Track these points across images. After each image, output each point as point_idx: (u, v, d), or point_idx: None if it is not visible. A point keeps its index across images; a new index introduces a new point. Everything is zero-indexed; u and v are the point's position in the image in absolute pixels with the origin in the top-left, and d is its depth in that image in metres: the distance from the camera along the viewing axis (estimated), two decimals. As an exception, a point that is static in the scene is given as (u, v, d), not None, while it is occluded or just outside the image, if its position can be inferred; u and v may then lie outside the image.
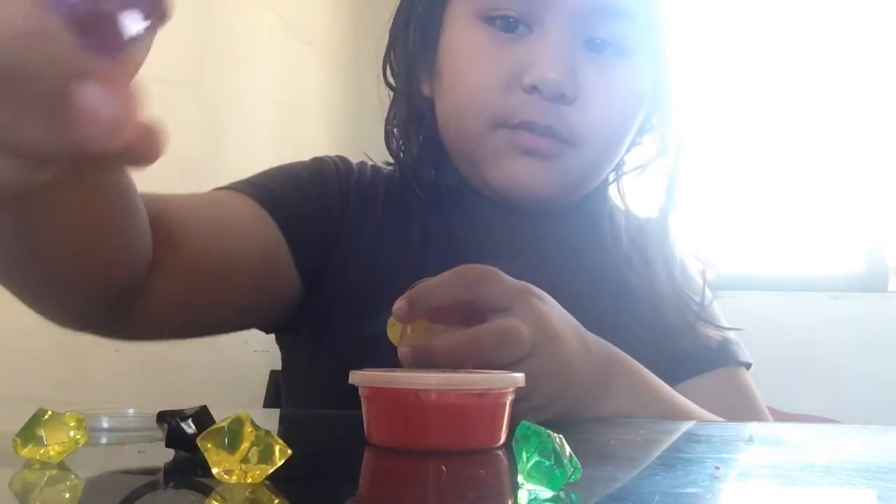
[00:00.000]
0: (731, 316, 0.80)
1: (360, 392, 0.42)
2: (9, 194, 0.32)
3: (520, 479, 0.31)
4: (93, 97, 0.23)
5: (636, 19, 0.69)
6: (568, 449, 0.31)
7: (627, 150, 0.76)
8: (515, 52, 0.68)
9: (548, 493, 0.30)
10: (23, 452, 0.36)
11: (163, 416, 0.38)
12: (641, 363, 0.61)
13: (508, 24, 0.69)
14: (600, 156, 0.72)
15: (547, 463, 0.30)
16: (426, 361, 0.49)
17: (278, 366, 0.81)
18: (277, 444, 0.31)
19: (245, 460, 0.30)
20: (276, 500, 0.30)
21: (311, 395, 0.74)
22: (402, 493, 0.34)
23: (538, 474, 0.30)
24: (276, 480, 0.31)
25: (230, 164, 1.76)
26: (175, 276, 0.59)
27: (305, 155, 0.79)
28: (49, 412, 0.36)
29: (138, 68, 0.27)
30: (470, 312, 0.53)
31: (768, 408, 0.77)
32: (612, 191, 0.80)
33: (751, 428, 0.57)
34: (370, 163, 0.82)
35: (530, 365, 0.51)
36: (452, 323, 0.52)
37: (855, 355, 2.09)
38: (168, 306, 0.61)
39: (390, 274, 0.53)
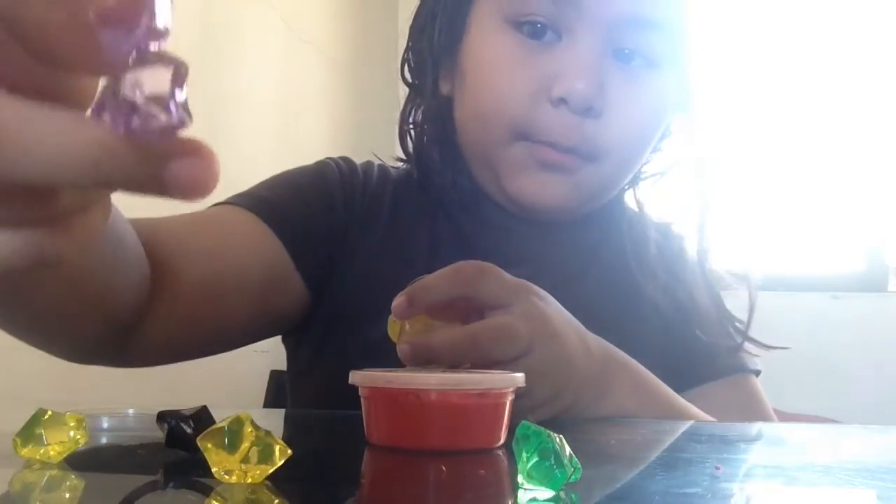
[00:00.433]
0: (730, 316, 0.80)
1: (360, 392, 0.42)
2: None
3: (520, 479, 0.31)
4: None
5: (666, 30, 0.68)
6: (568, 449, 0.31)
7: (647, 159, 0.76)
8: (543, 61, 0.67)
9: (548, 493, 0.30)
10: (23, 452, 0.36)
11: (163, 416, 0.38)
12: (649, 369, 0.61)
13: (536, 31, 0.68)
14: (621, 168, 0.72)
15: (547, 463, 0.30)
16: (424, 357, 0.49)
17: (278, 366, 0.82)
18: (277, 444, 0.31)
19: (245, 460, 0.30)
20: (276, 500, 0.30)
21: (315, 395, 0.74)
22: (402, 493, 0.34)
23: (538, 474, 0.30)
24: (276, 480, 0.31)
25: (230, 165, 1.75)
26: (175, 302, 0.59)
27: (306, 155, 0.78)
28: (49, 412, 0.36)
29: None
30: (470, 309, 0.53)
31: (768, 408, 0.77)
32: (629, 196, 0.80)
33: (751, 428, 0.57)
34: (377, 162, 0.81)
35: (529, 362, 0.51)
36: (452, 319, 0.52)
37: (855, 355, 2.09)
38: (171, 331, 0.60)
39: (396, 277, 0.53)
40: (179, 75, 0.21)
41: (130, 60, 0.21)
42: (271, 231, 0.67)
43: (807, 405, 1.55)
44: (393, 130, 0.79)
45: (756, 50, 2.26)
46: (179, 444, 0.37)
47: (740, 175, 2.26)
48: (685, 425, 0.55)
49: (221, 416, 0.32)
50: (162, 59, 0.21)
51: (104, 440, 0.45)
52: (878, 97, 2.23)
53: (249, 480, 0.31)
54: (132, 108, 0.21)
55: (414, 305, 0.51)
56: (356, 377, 0.42)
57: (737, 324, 0.76)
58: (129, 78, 0.21)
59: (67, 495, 0.32)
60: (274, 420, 0.66)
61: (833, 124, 2.27)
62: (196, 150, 0.22)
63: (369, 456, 0.41)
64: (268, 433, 0.31)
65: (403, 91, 0.79)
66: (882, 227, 2.25)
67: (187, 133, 0.22)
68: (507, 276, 0.54)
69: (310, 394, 0.75)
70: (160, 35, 0.21)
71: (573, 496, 0.30)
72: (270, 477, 0.31)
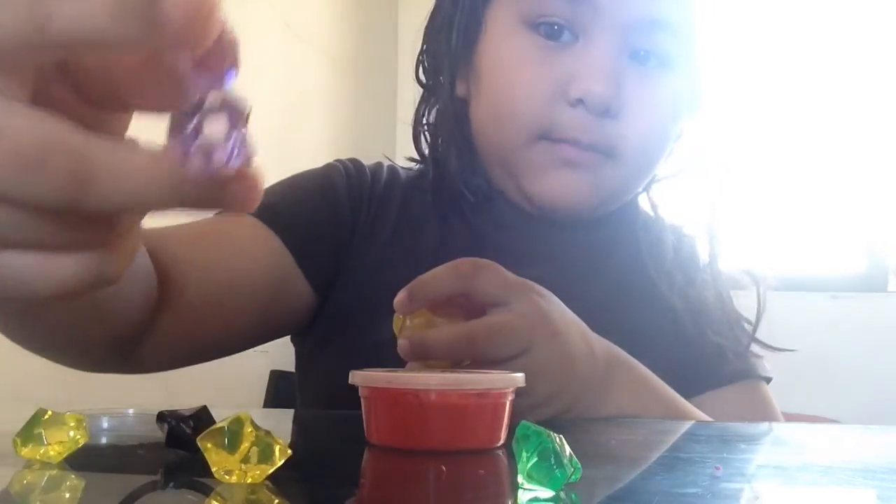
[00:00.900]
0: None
1: (360, 392, 0.42)
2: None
3: (520, 479, 0.31)
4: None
5: (680, 32, 0.69)
6: (568, 449, 0.31)
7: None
8: (560, 62, 0.67)
9: (548, 493, 0.30)
10: (23, 452, 0.36)
11: (163, 416, 0.38)
12: (659, 371, 0.61)
13: (553, 32, 0.68)
14: (640, 169, 0.72)
15: (547, 463, 0.30)
16: (422, 354, 0.49)
17: (278, 366, 0.82)
18: (277, 444, 0.31)
19: (245, 460, 0.30)
20: (276, 500, 0.30)
21: (324, 395, 0.74)
22: (402, 493, 0.34)
23: (538, 474, 0.30)
24: (276, 480, 0.31)
25: (230, 165, 1.76)
26: (181, 311, 0.59)
27: (306, 155, 0.78)
28: (49, 412, 0.36)
29: None
30: (473, 307, 0.53)
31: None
32: (642, 199, 0.80)
33: (751, 428, 0.57)
34: (387, 163, 0.81)
35: (528, 361, 0.51)
36: (455, 316, 0.53)
37: (855, 355, 2.09)
38: (176, 340, 0.60)
39: (404, 277, 0.53)
40: (243, 113, 0.23)
41: (206, 101, 0.23)
42: (277, 237, 0.67)
43: (807, 405, 1.55)
44: (392, 130, 0.79)
45: (759, 53, 2.26)
46: (179, 444, 0.37)
47: (742, 176, 2.26)
48: (685, 425, 0.55)
49: (221, 416, 0.32)
50: (227, 98, 0.23)
51: (104, 440, 0.45)
52: (879, 98, 2.23)
53: (249, 480, 0.31)
54: (204, 143, 0.23)
55: (413, 300, 0.51)
56: (356, 377, 0.42)
57: (745, 325, 0.76)
58: (200, 114, 0.23)
59: (67, 495, 0.32)
60: (274, 420, 0.66)
61: (833, 125, 2.27)
62: (248, 174, 0.24)
63: (369, 456, 0.41)
64: (268, 433, 0.31)
65: (403, 91, 0.79)
66: (882, 228, 2.25)
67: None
68: (508, 273, 0.54)
69: (319, 394, 0.75)
70: (234, 75, 0.24)
71: (573, 496, 0.30)
72: (270, 477, 0.31)
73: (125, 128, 0.27)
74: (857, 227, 2.28)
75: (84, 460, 0.37)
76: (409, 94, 0.80)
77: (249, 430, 0.31)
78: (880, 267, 2.25)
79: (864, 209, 2.26)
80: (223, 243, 0.65)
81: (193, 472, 0.34)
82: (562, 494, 0.30)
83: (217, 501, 0.30)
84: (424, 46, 0.77)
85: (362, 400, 0.42)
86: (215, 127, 0.23)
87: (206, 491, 0.31)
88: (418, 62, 0.78)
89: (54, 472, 0.35)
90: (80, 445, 0.37)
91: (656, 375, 0.61)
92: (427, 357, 0.49)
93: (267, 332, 0.71)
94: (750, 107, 2.25)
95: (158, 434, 0.39)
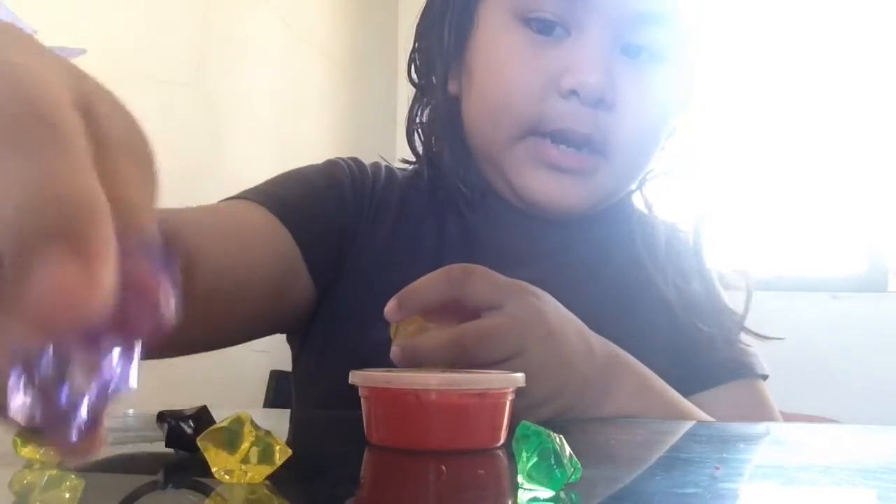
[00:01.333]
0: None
1: (360, 392, 0.42)
2: None
3: (520, 479, 0.31)
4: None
5: (673, 25, 0.69)
6: (568, 449, 0.31)
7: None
8: (552, 56, 0.67)
9: (548, 493, 0.30)
10: (23, 452, 0.36)
11: (163, 416, 0.38)
12: (657, 369, 0.61)
13: (545, 27, 0.68)
14: (633, 165, 0.72)
15: (547, 463, 0.30)
16: (414, 360, 0.49)
17: (278, 366, 0.81)
18: (277, 444, 0.31)
19: (245, 460, 0.30)
20: (276, 500, 0.30)
21: (320, 396, 0.74)
22: (402, 493, 0.34)
23: (538, 474, 0.30)
24: (276, 480, 0.31)
25: (230, 165, 1.76)
26: (188, 297, 0.59)
27: (306, 155, 0.78)
28: (49, 412, 0.36)
29: None
30: (466, 311, 0.53)
31: (769, 408, 0.77)
32: (636, 197, 0.80)
33: (750, 428, 0.57)
34: (384, 164, 0.81)
35: (524, 362, 0.51)
36: (448, 321, 0.52)
37: (855, 355, 2.09)
38: (182, 327, 0.60)
39: (402, 277, 0.53)
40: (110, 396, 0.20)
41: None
42: (284, 227, 0.67)
43: (807, 405, 1.55)
44: (392, 130, 0.80)
45: (757, 51, 2.26)
46: (179, 444, 0.37)
47: (742, 175, 2.26)
48: (685, 425, 0.55)
49: (221, 416, 0.32)
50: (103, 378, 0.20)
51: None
52: (878, 99, 2.23)
53: (249, 480, 0.31)
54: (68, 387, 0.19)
55: (403, 309, 0.51)
56: (356, 377, 0.42)
57: (734, 317, 0.76)
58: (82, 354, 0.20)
59: (67, 495, 0.32)
60: (274, 420, 0.66)
61: (833, 125, 2.27)
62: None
63: (369, 456, 0.41)
64: (268, 433, 0.31)
65: (403, 91, 0.79)
66: (882, 228, 2.25)
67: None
68: (500, 276, 0.54)
69: (316, 394, 0.75)
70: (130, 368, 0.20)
71: (573, 496, 0.30)
72: (270, 477, 0.31)
73: None
74: (858, 228, 2.28)
75: (84, 460, 0.37)
76: (409, 94, 0.81)
77: (249, 430, 0.31)
78: (880, 267, 2.25)
79: (864, 209, 2.26)
80: (233, 231, 0.65)
81: (193, 472, 0.34)
82: (562, 494, 0.30)
83: (217, 501, 0.30)
84: (417, 45, 0.77)
85: (362, 400, 0.42)
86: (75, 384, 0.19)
87: (206, 491, 0.31)
88: (410, 61, 0.78)
89: (54, 472, 0.35)
90: (80, 445, 0.37)
91: (655, 374, 0.61)
92: (419, 363, 0.49)
93: (267, 325, 0.71)
94: (750, 107, 2.25)
95: (158, 434, 0.39)
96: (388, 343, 0.52)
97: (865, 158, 2.25)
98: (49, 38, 0.77)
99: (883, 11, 2.23)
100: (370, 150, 0.84)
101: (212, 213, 0.65)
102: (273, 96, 1.94)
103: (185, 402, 0.41)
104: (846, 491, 0.34)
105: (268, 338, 0.78)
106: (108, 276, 0.19)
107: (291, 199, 0.69)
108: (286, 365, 0.80)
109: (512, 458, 0.32)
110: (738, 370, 0.74)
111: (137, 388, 0.21)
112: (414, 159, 0.79)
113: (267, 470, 0.31)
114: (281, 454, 0.31)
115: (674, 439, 0.50)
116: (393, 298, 0.51)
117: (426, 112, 0.78)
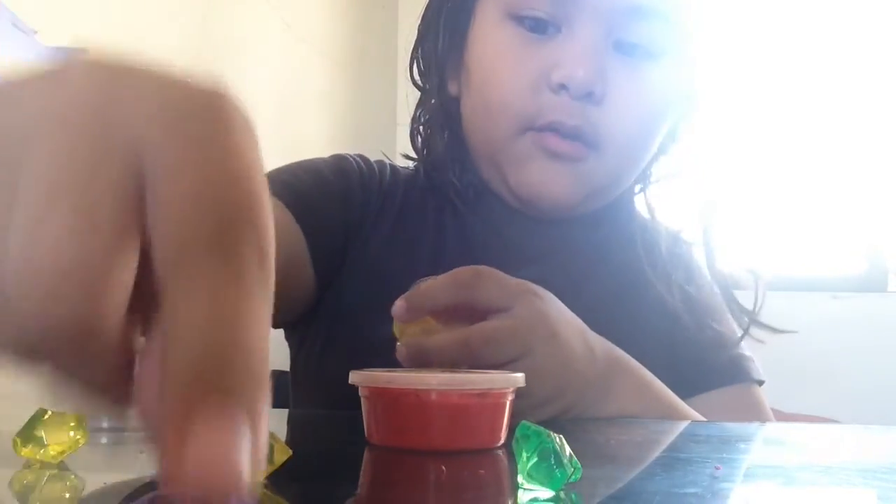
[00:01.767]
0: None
1: (361, 392, 0.42)
2: None
3: (520, 479, 0.31)
4: None
5: (667, 21, 0.69)
6: (568, 449, 0.31)
7: (654, 159, 0.76)
8: (543, 52, 0.68)
9: (548, 493, 0.30)
10: (23, 452, 0.36)
11: (163, 416, 0.38)
12: (654, 371, 0.61)
13: (538, 25, 0.68)
14: (625, 161, 0.72)
15: (547, 463, 0.30)
16: (421, 361, 0.49)
17: (278, 366, 0.81)
18: (277, 443, 0.31)
19: (245, 460, 0.30)
20: (276, 500, 0.30)
21: (318, 395, 0.74)
22: (402, 493, 0.34)
23: (538, 474, 0.30)
24: (276, 480, 0.31)
25: (230, 164, 1.76)
26: None
27: (306, 154, 0.78)
28: (49, 412, 0.36)
29: None
30: (474, 311, 0.53)
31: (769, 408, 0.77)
32: (639, 202, 0.80)
33: (752, 428, 0.57)
34: (388, 162, 0.81)
35: (528, 363, 0.51)
36: (456, 322, 0.53)
37: (855, 355, 2.09)
38: None
39: (402, 277, 0.53)
40: None
41: None
42: (290, 215, 0.67)
43: (807, 405, 1.55)
44: (392, 130, 0.80)
45: (757, 51, 2.26)
46: (179, 444, 0.37)
47: (742, 176, 2.26)
48: (685, 425, 0.55)
49: (221, 416, 0.32)
50: None
51: (104, 440, 0.45)
52: (879, 99, 2.23)
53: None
54: None
55: (412, 310, 0.51)
56: (356, 377, 0.42)
57: (745, 318, 0.76)
58: None
59: (67, 495, 0.32)
60: (273, 420, 0.65)
61: (834, 125, 2.27)
62: None
63: (369, 456, 0.41)
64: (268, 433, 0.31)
65: (403, 91, 0.79)
66: (882, 228, 2.25)
67: None
68: (507, 277, 0.54)
69: (316, 393, 0.75)
70: None
71: (573, 496, 0.30)
72: (270, 477, 0.31)
73: None
74: (858, 228, 2.28)
75: (84, 460, 0.37)
76: (409, 93, 0.81)
77: (249, 430, 0.31)
78: (880, 267, 2.25)
79: (864, 210, 2.26)
80: None
81: (193, 472, 0.34)
82: (562, 494, 0.30)
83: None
84: (417, 46, 0.78)
85: (362, 400, 0.42)
86: None
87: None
88: (412, 62, 0.78)
89: (54, 472, 0.35)
90: (80, 445, 0.37)
91: (654, 376, 0.61)
92: (425, 364, 0.49)
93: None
94: (750, 107, 2.25)
95: (158, 434, 0.38)
96: (390, 341, 0.52)
97: (866, 159, 2.25)
98: (49, 38, 0.77)
99: (883, 11, 2.23)
100: (370, 150, 0.84)
101: None
102: (273, 96, 1.94)
103: (185, 402, 0.40)
104: (846, 491, 0.34)
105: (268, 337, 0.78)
106: (263, 452, 0.18)
107: (302, 190, 0.69)
108: (285, 365, 0.80)
109: (512, 458, 0.32)
110: (735, 375, 0.74)
111: None
112: (415, 156, 0.80)
113: (267, 470, 0.31)
114: (280, 454, 0.31)
115: (673, 439, 0.50)
116: (401, 298, 0.51)
117: (427, 111, 0.78)
